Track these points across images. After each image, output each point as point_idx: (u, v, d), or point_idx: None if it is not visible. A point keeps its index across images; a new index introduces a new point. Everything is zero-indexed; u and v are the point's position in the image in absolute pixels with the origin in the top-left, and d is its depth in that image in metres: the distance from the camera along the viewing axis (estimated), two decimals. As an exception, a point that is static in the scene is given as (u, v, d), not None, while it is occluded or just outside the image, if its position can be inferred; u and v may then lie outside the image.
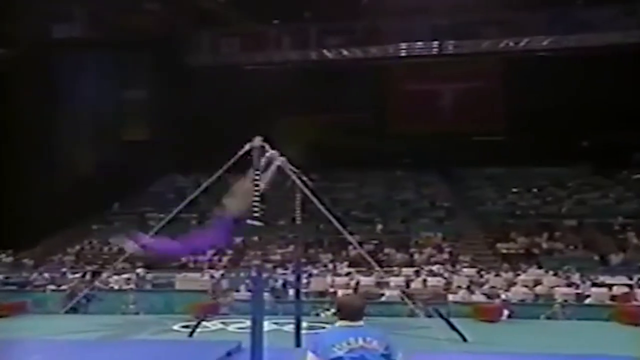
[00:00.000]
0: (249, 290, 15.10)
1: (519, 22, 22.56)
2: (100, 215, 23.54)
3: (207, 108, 26.72)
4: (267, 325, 10.41)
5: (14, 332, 9.49)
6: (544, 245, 19.04)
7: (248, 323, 10.56)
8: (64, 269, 17.77)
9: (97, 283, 13.39)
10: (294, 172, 7.32)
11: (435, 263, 18.26)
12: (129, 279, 16.22)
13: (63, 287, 15.25)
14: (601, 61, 21.64)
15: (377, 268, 10.81)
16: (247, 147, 6.12)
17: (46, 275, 17.02)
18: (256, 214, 5.82)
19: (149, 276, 16.87)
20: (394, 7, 22.70)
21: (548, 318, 11.44)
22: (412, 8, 22.55)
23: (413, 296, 13.73)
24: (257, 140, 6.07)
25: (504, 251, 19.14)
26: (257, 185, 5.85)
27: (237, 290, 15.41)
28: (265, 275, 16.55)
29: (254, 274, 5.88)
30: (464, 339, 9.18)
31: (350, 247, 20.37)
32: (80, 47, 24.27)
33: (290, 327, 10.16)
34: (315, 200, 7.19)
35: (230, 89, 26.68)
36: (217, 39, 27.23)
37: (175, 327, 10.03)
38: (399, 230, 21.33)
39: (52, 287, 15.40)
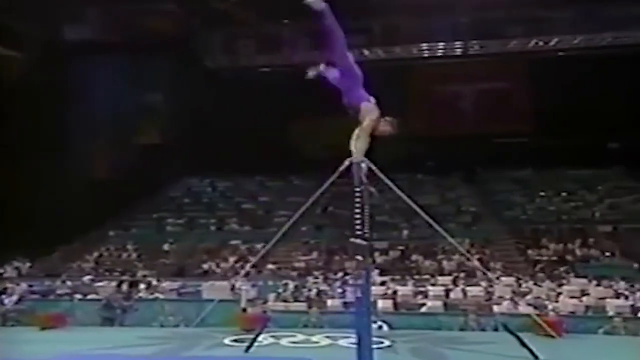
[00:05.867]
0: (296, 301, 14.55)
1: (546, 20, 21.99)
2: (117, 220, 23.01)
3: (222, 110, 26.31)
4: (319, 339, 9.96)
5: (63, 345, 9.18)
6: (578, 252, 18.58)
7: (300, 336, 10.20)
8: (87, 277, 17.26)
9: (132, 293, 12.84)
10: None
11: (466, 270, 17.85)
12: (149, 286, 15.80)
13: (91, 296, 14.78)
14: (632, 60, 21.25)
15: (490, 276, 10.29)
16: (346, 162, 5.68)
17: (69, 283, 16.54)
18: (359, 232, 5.34)
19: (175, 285, 16.37)
20: (414, 6, 22.16)
21: (607, 333, 10.90)
22: (433, 7, 22.00)
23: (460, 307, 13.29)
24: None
25: (537, 258, 18.67)
26: (358, 203, 5.37)
27: (265, 301, 14.91)
28: (295, 283, 16.22)
29: (359, 294, 5.38)
30: (536, 357, 8.67)
31: (377, 254, 19.93)
32: (94, 50, 23.74)
33: (346, 342, 9.68)
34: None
35: (246, 91, 26.24)
36: (232, 41, 26.68)
37: (227, 341, 9.54)
38: (425, 236, 20.81)
39: (79, 296, 14.89)
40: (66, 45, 23.43)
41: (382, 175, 5.92)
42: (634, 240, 18.61)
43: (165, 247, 21.01)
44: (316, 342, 9.55)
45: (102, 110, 23.41)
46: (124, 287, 14.76)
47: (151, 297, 14.81)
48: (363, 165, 5.67)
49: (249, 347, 8.78)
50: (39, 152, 21.53)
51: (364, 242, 5.41)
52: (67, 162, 22.44)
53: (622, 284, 14.50)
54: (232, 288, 16.06)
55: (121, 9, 23.24)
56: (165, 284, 16.17)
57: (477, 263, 9.25)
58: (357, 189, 5.49)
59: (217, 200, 25.72)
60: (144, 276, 18.28)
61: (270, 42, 25.87)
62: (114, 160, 24.55)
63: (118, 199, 22.37)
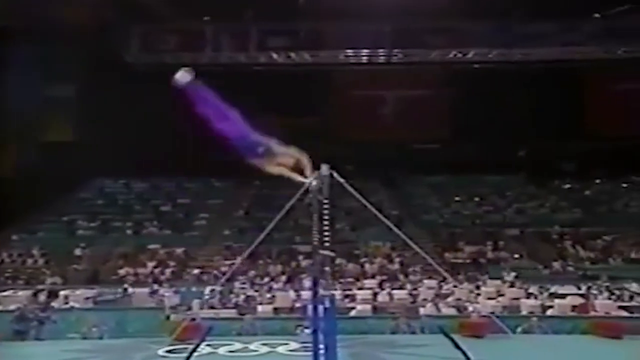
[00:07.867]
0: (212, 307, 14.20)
1: (465, 33, 23.24)
2: (21, 223, 21.28)
3: (139, 108, 25.17)
4: (257, 347, 9.75)
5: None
6: (490, 255, 19.70)
7: (237, 345, 9.92)
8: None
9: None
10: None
11: (388, 273, 18.34)
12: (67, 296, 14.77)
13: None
14: (539, 74, 23.11)
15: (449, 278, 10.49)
16: (315, 175, 5.65)
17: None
18: (327, 243, 5.30)
19: (90, 293, 15.39)
20: (340, 12, 22.50)
21: (525, 332, 11.59)
22: (356, 14, 22.47)
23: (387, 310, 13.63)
24: (325, 169, 5.61)
25: (453, 260, 19.56)
26: (326, 215, 5.34)
27: (189, 308, 14.43)
28: (221, 289, 15.81)
29: (327, 304, 5.32)
30: (468, 359, 9.04)
31: (301, 258, 19.91)
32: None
33: (285, 349, 9.57)
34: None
35: (165, 89, 25.22)
36: (152, 36, 25.63)
37: (161, 352, 9.06)
38: (348, 239, 21.12)
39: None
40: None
41: (349, 187, 5.95)
42: (538, 243, 20.12)
43: (77, 252, 19.77)
44: (255, 351, 9.35)
45: (7, 104, 21.58)
46: (41, 296, 13.63)
47: (66, 306, 13.84)
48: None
49: (188, 358, 8.43)
50: None
51: (332, 254, 5.39)
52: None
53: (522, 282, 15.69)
54: (152, 293, 15.52)
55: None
56: (80, 292, 15.21)
57: (439, 268, 9.48)
58: (326, 201, 5.46)
59: (133, 202, 24.60)
60: (54, 283, 17.14)
61: (192, 40, 25.17)
62: (18, 157, 22.70)
63: (22, 200, 20.67)
